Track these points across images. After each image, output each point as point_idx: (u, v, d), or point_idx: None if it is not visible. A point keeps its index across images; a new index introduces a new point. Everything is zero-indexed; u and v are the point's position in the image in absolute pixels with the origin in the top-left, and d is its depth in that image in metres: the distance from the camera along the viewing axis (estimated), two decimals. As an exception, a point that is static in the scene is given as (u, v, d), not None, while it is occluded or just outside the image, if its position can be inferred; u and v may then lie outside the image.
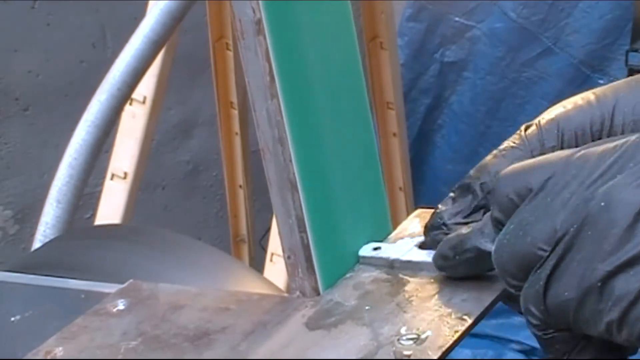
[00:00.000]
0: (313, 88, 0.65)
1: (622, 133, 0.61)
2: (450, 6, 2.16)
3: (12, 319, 0.73)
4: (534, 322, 0.58)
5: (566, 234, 0.56)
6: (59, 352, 0.63)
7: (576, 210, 0.56)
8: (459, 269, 0.64)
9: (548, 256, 0.56)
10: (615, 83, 0.64)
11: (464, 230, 0.63)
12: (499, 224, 0.60)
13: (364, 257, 0.68)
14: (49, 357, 0.63)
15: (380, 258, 0.67)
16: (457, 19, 2.16)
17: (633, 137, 0.57)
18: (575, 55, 2.09)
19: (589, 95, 0.64)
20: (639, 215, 0.54)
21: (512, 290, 0.59)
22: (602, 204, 0.55)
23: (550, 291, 0.57)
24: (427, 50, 2.20)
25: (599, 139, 0.61)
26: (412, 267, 0.66)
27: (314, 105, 0.65)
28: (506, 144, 0.64)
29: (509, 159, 0.63)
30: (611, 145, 0.57)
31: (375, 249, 0.68)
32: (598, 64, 2.10)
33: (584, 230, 0.55)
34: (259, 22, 0.61)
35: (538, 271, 0.57)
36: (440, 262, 0.64)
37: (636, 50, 1.98)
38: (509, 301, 0.64)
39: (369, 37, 1.67)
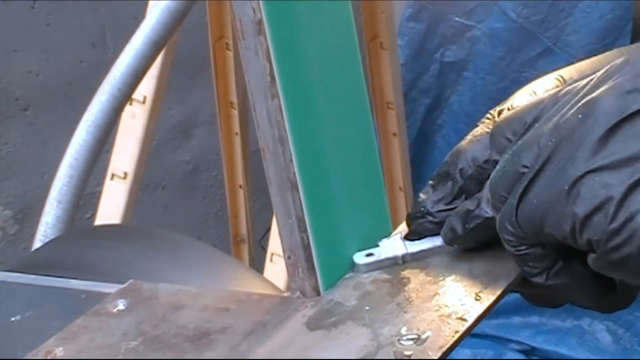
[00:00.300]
0: (313, 88, 0.65)
1: None
2: (450, 6, 2.16)
3: (13, 319, 0.73)
4: (507, 237, 0.60)
5: (545, 149, 0.58)
6: (59, 352, 0.63)
7: (556, 127, 0.58)
8: (468, 239, 0.65)
9: (528, 172, 0.58)
10: (579, 64, 0.66)
11: (469, 203, 0.64)
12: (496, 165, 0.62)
13: (365, 264, 0.67)
14: (49, 357, 0.63)
15: (386, 259, 0.67)
16: (457, 19, 2.16)
17: (619, 60, 0.59)
18: (575, 55, 2.08)
19: (555, 78, 0.65)
20: (614, 127, 0.55)
21: (498, 216, 0.61)
22: (580, 116, 0.57)
23: (523, 201, 0.58)
24: (427, 50, 2.20)
25: None
26: (424, 256, 0.66)
27: (314, 105, 0.65)
28: (480, 129, 0.65)
29: (484, 143, 0.64)
30: (598, 73, 0.59)
31: (369, 254, 0.68)
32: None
33: (562, 144, 0.57)
34: (259, 22, 0.61)
35: (516, 187, 0.59)
36: (450, 235, 0.65)
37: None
38: (520, 288, 0.65)
39: (369, 37, 1.67)
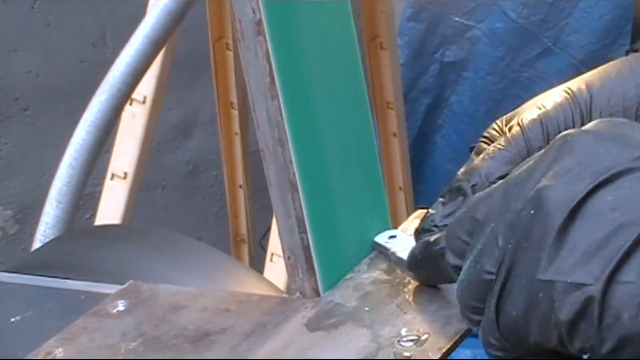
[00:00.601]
0: (313, 88, 0.65)
1: None
2: (450, 6, 2.16)
3: (12, 319, 0.73)
4: (495, 352, 0.56)
5: (506, 253, 0.54)
6: (58, 352, 0.63)
7: (511, 225, 0.54)
8: (420, 270, 0.63)
9: (495, 280, 0.55)
10: (586, 75, 0.65)
11: (433, 237, 0.62)
12: (458, 270, 0.58)
13: (376, 243, 0.68)
14: (48, 358, 0.63)
15: (385, 248, 0.68)
16: (457, 19, 2.16)
17: (558, 140, 0.56)
18: (575, 55, 2.08)
19: (564, 91, 0.64)
20: (569, 218, 0.52)
21: (476, 329, 0.57)
22: (532, 212, 0.53)
23: (501, 314, 0.55)
24: (427, 50, 2.20)
25: None
26: (403, 264, 0.66)
27: (314, 106, 0.65)
28: (493, 147, 0.65)
29: (499, 160, 0.63)
30: (539, 155, 0.56)
31: (391, 237, 0.68)
32: (598, 64, 2.09)
33: (521, 245, 0.54)
34: (259, 22, 0.61)
35: (488, 298, 0.55)
36: (409, 259, 0.64)
37: (636, 51, 1.98)
38: None
39: (369, 37, 1.67)
